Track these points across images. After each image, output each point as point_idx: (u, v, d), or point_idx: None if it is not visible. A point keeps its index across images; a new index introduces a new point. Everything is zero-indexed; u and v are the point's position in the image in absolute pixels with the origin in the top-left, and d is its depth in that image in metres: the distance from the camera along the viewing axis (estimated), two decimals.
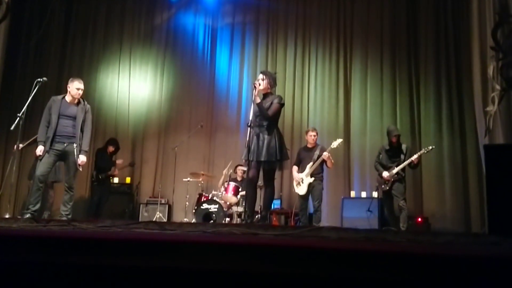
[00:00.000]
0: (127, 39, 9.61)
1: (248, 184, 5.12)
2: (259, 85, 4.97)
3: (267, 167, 4.97)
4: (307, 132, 6.90)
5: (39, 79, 5.54)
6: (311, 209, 6.73)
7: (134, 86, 9.50)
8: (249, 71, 9.21)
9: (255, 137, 4.88)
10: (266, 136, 4.89)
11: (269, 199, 5.14)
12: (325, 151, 6.52)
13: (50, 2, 9.30)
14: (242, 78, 9.23)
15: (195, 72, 9.45)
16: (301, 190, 6.59)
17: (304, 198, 6.61)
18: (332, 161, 6.67)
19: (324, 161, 6.52)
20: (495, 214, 3.26)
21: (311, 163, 6.53)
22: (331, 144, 6.59)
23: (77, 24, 9.60)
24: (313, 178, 6.52)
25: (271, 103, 4.93)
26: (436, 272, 1.63)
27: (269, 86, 5.04)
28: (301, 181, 6.58)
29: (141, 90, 9.49)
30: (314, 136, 6.76)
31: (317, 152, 6.56)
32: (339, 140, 6.61)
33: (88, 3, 9.63)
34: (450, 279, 1.61)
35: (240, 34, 9.42)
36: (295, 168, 6.75)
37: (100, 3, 9.68)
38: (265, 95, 5.07)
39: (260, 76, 5.06)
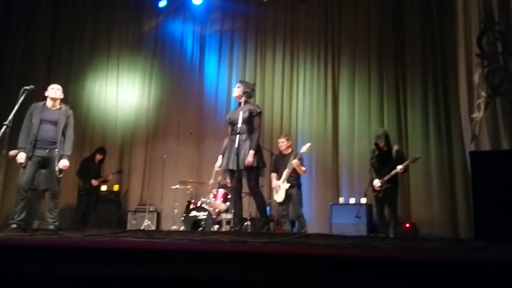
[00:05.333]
0: (115, 46, 9.58)
1: (232, 193, 5.37)
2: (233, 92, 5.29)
3: (241, 175, 5.09)
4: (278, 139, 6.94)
5: (26, 87, 5.45)
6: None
7: (122, 93, 9.46)
8: (237, 78, 9.16)
9: (234, 147, 5.01)
10: (242, 145, 5.02)
11: (258, 207, 5.20)
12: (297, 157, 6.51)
13: (37, 9, 9.24)
14: (231, 85, 9.20)
15: (183, 79, 9.43)
16: (279, 197, 6.59)
17: (283, 204, 6.60)
18: (303, 168, 6.62)
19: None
20: (481, 220, 3.30)
21: (286, 170, 6.53)
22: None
23: (64, 31, 9.55)
24: (289, 184, 6.51)
25: (249, 113, 5.10)
26: (422, 277, 1.64)
27: (243, 94, 5.19)
28: (278, 188, 6.58)
29: (129, 97, 9.45)
30: (282, 143, 6.78)
31: (291, 158, 6.55)
32: (308, 144, 6.56)
33: (75, 10, 9.58)
34: (436, 285, 1.62)
35: (229, 41, 9.43)
36: (273, 175, 6.74)
37: (87, 10, 9.65)
38: (241, 104, 5.21)
39: (237, 84, 5.32)
